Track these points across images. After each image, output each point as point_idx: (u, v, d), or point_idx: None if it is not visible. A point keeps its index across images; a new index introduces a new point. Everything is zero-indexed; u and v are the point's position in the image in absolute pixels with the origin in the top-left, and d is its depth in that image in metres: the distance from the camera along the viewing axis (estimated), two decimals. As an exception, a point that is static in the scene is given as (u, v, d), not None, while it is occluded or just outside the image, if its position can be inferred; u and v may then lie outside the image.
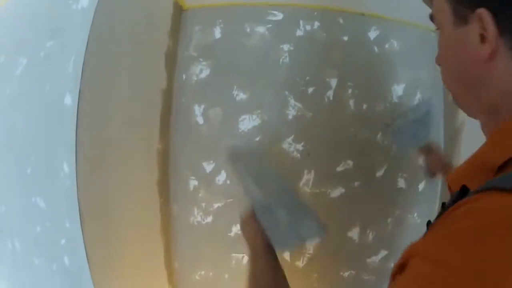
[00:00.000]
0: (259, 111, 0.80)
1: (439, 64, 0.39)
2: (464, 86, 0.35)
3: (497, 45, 0.30)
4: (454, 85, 0.37)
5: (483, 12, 0.31)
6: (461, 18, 0.33)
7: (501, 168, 0.28)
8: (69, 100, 0.71)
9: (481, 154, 0.32)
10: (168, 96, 0.84)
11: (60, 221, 0.74)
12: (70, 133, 0.67)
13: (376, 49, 0.87)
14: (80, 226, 0.68)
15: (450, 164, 0.77)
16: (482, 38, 0.31)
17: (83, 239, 0.68)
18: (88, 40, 0.69)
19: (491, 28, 0.30)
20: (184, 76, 0.85)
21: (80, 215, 0.68)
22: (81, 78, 0.68)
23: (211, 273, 0.86)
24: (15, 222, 0.80)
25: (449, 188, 0.36)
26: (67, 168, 0.70)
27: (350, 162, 0.82)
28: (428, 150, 0.76)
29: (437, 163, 0.76)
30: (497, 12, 0.30)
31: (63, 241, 0.75)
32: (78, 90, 0.68)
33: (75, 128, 0.67)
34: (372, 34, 0.87)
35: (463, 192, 0.31)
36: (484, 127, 0.36)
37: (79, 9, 0.76)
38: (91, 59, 0.69)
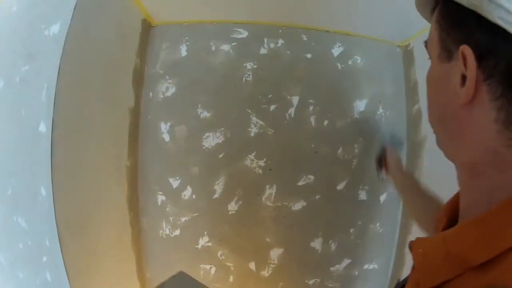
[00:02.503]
0: (222, 128, 0.83)
1: None
2: (443, 128, 0.32)
3: (478, 91, 0.27)
4: (434, 123, 0.34)
5: (466, 49, 0.27)
6: (447, 53, 0.30)
7: (480, 266, 0.25)
8: (44, 127, 0.74)
9: (458, 241, 0.28)
10: (135, 113, 0.87)
11: (40, 240, 0.78)
12: (45, 158, 0.70)
13: (339, 65, 0.89)
14: (59, 245, 0.72)
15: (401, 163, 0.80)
16: (463, 80, 0.28)
17: (62, 255, 0.72)
18: (59, 67, 0.72)
19: (472, 69, 0.27)
20: (151, 94, 0.87)
21: (58, 234, 0.72)
22: (54, 107, 0.71)
23: (181, 283, 0.90)
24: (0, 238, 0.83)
25: (414, 259, 0.32)
26: (44, 191, 0.73)
27: (311, 177, 0.85)
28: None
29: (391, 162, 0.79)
30: (484, 53, 0.27)
31: (44, 258, 0.79)
32: (51, 119, 0.71)
33: (50, 155, 0.70)
34: (336, 50, 0.89)
35: None
36: (460, 178, 0.33)
37: (51, 36, 0.78)
38: (63, 87, 0.71)
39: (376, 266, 0.97)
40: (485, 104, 0.27)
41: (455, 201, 0.37)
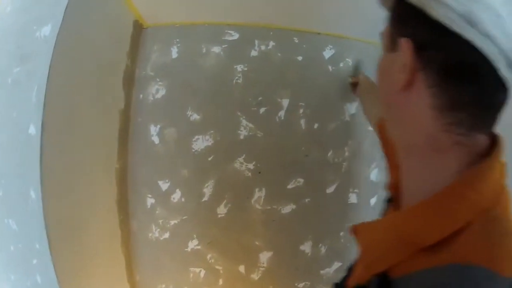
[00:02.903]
0: (211, 131, 0.82)
1: None
2: (388, 111, 0.35)
3: (416, 79, 0.30)
4: (382, 107, 0.37)
5: (405, 41, 0.30)
6: (393, 44, 0.32)
7: (430, 247, 0.26)
8: (33, 130, 0.74)
9: (406, 223, 0.29)
10: (125, 116, 0.86)
11: (31, 242, 0.78)
12: (35, 161, 0.70)
13: (330, 68, 0.89)
14: (49, 248, 0.72)
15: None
16: (403, 68, 0.30)
17: (52, 258, 0.73)
18: (50, 69, 0.72)
19: (408, 59, 0.29)
20: (141, 96, 0.87)
21: (47, 237, 0.72)
22: (44, 109, 0.71)
23: (171, 286, 0.90)
24: None
25: (359, 245, 0.34)
26: (34, 194, 0.73)
27: (301, 180, 0.85)
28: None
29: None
30: (423, 46, 0.29)
31: (34, 261, 0.79)
32: (41, 121, 0.71)
33: (39, 158, 0.70)
34: (327, 53, 0.89)
35: (383, 280, 0.28)
36: (402, 159, 0.34)
37: (42, 37, 0.77)
38: (53, 89, 0.71)
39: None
40: (421, 91, 0.29)
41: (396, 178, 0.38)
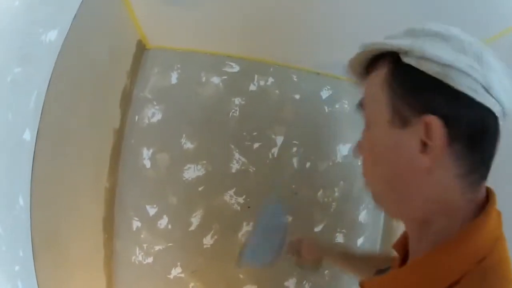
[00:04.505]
0: (204, 161, 0.82)
1: (359, 156, 0.35)
2: (391, 189, 0.32)
3: (444, 152, 0.28)
4: (380, 187, 0.33)
5: (433, 119, 0.27)
6: (401, 120, 0.29)
7: None
8: (28, 136, 0.73)
9: (407, 280, 0.30)
10: (119, 136, 0.86)
11: (14, 248, 0.77)
12: (26, 168, 0.69)
13: (326, 108, 0.89)
14: (32, 256, 0.71)
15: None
16: (424, 147, 0.28)
17: (34, 267, 0.72)
18: (51, 76, 0.71)
19: (440, 138, 0.27)
20: (136, 118, 0.87)
21: (32, 246, 0.71)
22: (41, 117, 0.70)
23: (149, 311, 0.89)
24: None
25: None
26: (22, 201, 0.73)
27: (289, 218, 0.85)
28: (298, 244, 0.69)
29: (311, 253, 0.69)
30: (446, 119, 0.27)
31: (17, 267, 0.78)
32: (37, 128, 0.70)
33: (31, 165, 0.69)
34: (324, 93, 0.90)
35: None
36: (408, 228, 0.34)
37: (47, 42, 0.77)
38: (52, 97, 0.71)
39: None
40: (448, 165, 0.28)
41: (404, 238, 0.38)
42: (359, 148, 0.35)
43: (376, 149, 0.32)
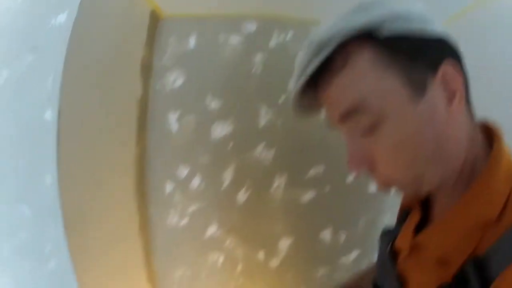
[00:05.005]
0: (231, 118, 0.83)
1: (370, 171, 0.35)
2: (434, 159, 0.32)
3: (462, 96, 0.30)
4: (417, 167, 0.32)
5: (446, 67, 0.29)
6: (420, 87, 0.29)
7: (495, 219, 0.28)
8: (49, 115, 0.75)
9: (474, 211, 0.30)
10: (143, 104, 0.87)
11: (45, 228, 0.78)
12: (51, 147, 0.71)
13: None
14: (64, 233, 0.72)
15: None
16: (449, 98, 0.29)
17: (67, 244, 0.73)
18: (66, 56, 0.72)
19: (459, 81, 0.29)
20: (158, 85, 0.88)
21: (63, 222, 0.72)
22: (60, 95, 0.71)
23: (189, 273, 0.90)
24: (3, 228, 0.84)
25: (429, 256, 0.34)
26: (50, 179, 0.74)
27: (321, 167, 0.85)
28: None
29: None
30: (456, 62, 0.30)
31: (48, 247, 0.79)
32: (57, 107, 0.72)
33: (56, 143, 0.71)
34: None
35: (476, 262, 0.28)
36: (447, 183, 0.34)
37: (57, 25, 0.78)
38: (69, 76, 0.72)
39: (384, 259, 0.96)
40: (464, 105, 0.31)
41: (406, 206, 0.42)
42: (361, 159, 0.35)
43: (402, 136, 0.31)
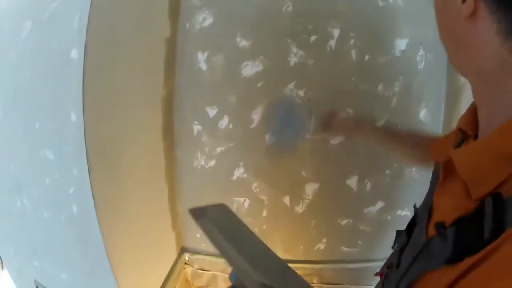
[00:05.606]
0: (261, 57, 0.81)
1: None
2: (452, 42, 0.35)
3: (478, 7, 0.30)
4: (445, 43, 0.36)
5: None
6: None
7: None
8: (76, 54, 0.73)
9: (502, 142, 0.29)
10: (172, 44, 0.85)
11: (68, 170, 0.77)
12: (77, 85, 0.69)
13: (380, 2, 0.86)
14: (88, 173, 0.71)
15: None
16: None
17: (91, 185, 0.71)
18: None
19: None
20: (187, 25, 0.86)
21: (87, 162, 0.71)
22: (86, 33, 0.70)
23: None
24: (24, 178, 0.83)
25: (453, 172, 0.33)
26: (75, 117, 0.72)
27: (350, 111, 0.83)
28: (330, 117, 0.72)
29: (343, 127, 0.73)
30: None
31: (71, 190, 0.78)
32: (83, 45, 0.70)
33: (82, 80, 0.69)
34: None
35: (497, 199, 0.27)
36: (474, 90, 0.35)
37: None
38: (96, 15, 0.70)
39: (408, 213, 0.95)
40: (486, 18, 0.30)
41: (469, 117, 0.38)
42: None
43: (437, 10, 0.36)
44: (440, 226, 0.32)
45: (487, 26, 0.30)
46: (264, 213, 0.86)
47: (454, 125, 0.88)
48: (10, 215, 0.84)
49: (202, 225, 0.50)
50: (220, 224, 0.50)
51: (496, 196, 0.27)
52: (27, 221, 0.85)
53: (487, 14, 0.29)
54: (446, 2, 0.33)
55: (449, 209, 0.33)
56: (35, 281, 0.86)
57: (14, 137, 0.82)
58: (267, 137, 0.82)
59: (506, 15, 0.29)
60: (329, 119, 0.74)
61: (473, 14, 0.30)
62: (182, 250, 0.95)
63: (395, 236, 0.44)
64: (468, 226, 0.28)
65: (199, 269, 0.98)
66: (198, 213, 0.52)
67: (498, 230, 0.25)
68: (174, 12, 0.89)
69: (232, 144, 0.83)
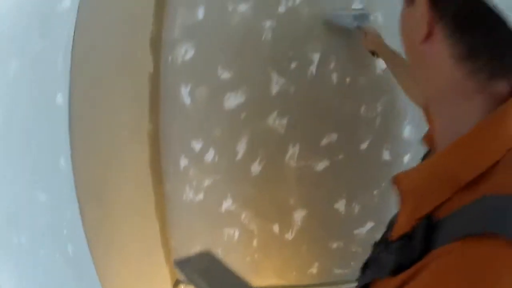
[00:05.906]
0: (244, 87, 0.82)
1: None
2: (413, 62, 0.35)
3: (435, 30, 0.31)
4: (408, 59, 0.37)
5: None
6: None
7: (469, 184, 0.27)
8: (61, 99, 0.74)
9: (444, 164, 0.30)
10: (155, 79, 0.86)
11: (61, 212, 0.77)
12: (64, 130, 0.70)
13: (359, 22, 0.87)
14: (79, 214, 0.71)
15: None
16: (422, 21, 0.31)
17: (83, 226, 0.72)
18: (73, 37, 0.71)
19: (424, 9, 0.30)
20: (170, 58, 0.86)
21: (78, 204, 0.71)
22: (70, 77, 0.70)
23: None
24: (19, 217, 0.84)
25: (401, 193, 0.35)
26: (64, 162, 0.73)
27: (334, 135, 0.84)
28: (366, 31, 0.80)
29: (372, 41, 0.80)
30: None
31: (65, 231, 0.79)
32: (68, 89, 0.71)
33: (68, 125, 0.70)
34: (356, 6, 0.87)
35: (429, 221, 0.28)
36: (431, 109, 0.36)
37: (64, 8, 0.77)
38: (78, 57, 0.71)
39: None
40: (441, 42, 0.30)
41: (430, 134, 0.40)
42: None
43: (400, 27, 0.36)
44: (387, 240, 0.35)
45: (443, 49, 0.31)
46: (255, 243, 0.87)
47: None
48: (8, 251, 0.85)
49: (186, 275, 0.51)
50: (204, 272, 0.51)
51: (428, 219, 0.28)
52: (23, 258, 0.86)
53: (443, 38, 0.30)
54: (408, 24, 0.34)
55: (403, 225, 0.34)
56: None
57: (8, 175, 0.83)
58: (252, 167, 0.83)
59: (461, 40, 0.30)
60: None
61: (430, 37, 0.31)
62: (177, 283, 0.95)
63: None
64: (406, 244, 0.30)
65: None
66: (183, 264, 0.53)
67: (426, 250, 0.27)
68: (156, 45, 0.89)
69: (219, 176, 0.84)
